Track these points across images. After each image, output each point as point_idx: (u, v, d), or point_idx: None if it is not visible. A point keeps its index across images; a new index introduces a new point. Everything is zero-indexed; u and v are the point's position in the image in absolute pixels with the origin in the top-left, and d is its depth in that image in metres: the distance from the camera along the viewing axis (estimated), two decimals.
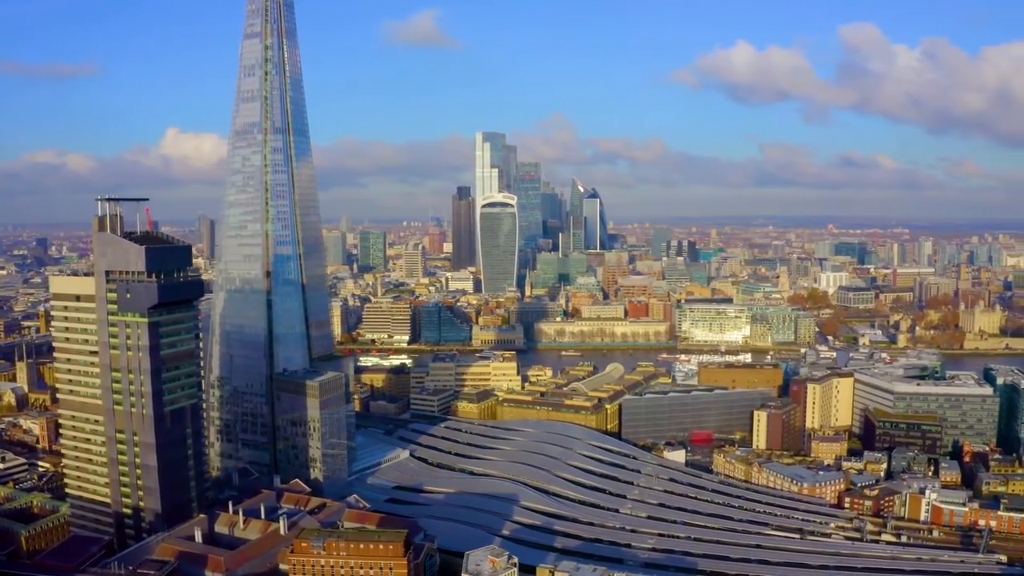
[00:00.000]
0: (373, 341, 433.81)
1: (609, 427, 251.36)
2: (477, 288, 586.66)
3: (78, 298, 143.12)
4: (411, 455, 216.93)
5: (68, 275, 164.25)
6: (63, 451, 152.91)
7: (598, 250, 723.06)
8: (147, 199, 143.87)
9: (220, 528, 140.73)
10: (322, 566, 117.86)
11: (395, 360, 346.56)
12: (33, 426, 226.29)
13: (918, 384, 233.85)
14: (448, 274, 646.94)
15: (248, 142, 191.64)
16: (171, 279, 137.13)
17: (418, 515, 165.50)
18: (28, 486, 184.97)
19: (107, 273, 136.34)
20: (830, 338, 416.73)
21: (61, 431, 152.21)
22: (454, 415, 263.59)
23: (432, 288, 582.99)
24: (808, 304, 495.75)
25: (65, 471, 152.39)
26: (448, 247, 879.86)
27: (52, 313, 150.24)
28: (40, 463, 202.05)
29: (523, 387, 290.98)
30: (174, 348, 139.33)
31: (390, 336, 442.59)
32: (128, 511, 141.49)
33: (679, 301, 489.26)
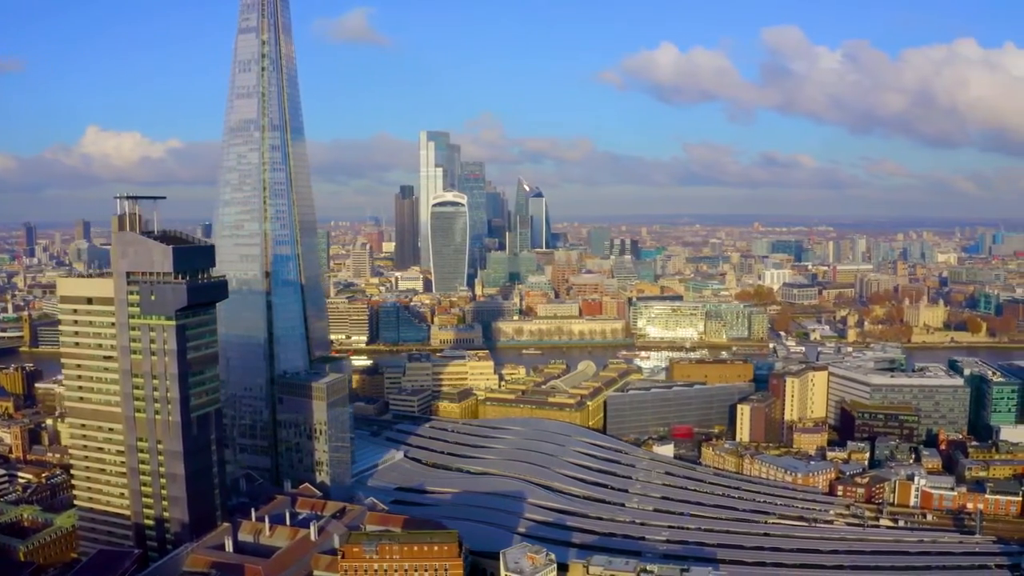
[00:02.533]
0: (331, 342, 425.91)
1: (591, 423, 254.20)
2: (427, 288, 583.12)
3: (90, 301, 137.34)
4: (405, 456, 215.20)
5: (79, 276, 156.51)
6: (72, 461, 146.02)
7: (544, 249, 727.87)
8: (164, 197, 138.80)
9: (244, 536, 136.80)
10: (375, 570, 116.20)
11: (355, 361, 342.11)
12: (4, 435, 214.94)
13: (892, 376, 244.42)
14: (398, 274, 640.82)
15: (244, 139, 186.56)
16: (195, 280, 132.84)
17: (430, 516, 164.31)
18: (13, 498, 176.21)
19: (128, 274, 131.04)
20: (782, 334, 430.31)
21: (70, 440, 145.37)
22: (435, 415, 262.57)
23: (383, 288, 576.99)
24: (755, 301, 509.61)
25: (74, 482, 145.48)
26: (388, 247, 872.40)
27: (60, 317, 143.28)
28: (20, 474, 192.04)
29: (500, 386, 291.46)
30: (199, 351, 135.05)
31: (348, 337, 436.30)
32: (150, 522, 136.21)
33: (631, 299, 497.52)
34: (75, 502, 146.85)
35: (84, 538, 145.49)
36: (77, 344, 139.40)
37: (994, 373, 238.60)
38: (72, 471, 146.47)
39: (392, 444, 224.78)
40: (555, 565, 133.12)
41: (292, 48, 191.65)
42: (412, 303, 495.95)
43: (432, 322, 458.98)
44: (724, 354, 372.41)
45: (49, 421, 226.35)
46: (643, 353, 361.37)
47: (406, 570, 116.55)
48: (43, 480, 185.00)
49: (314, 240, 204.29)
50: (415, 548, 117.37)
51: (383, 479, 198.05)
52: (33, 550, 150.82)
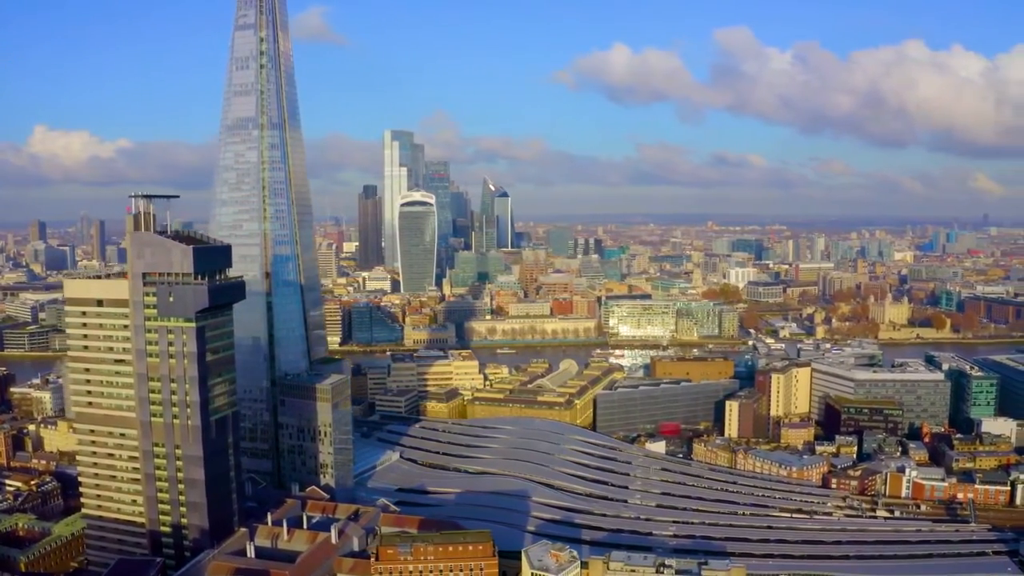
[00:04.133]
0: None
1: (579, 421, 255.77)
2: (394, 288, 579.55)
3: (100, 303, 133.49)
4: (401, 457, 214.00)
5: (89, 278, 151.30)
6: (80, 468, 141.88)
7: (510, 248, 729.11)
8: (178, 195, 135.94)
9: (261, 541, 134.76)
10: (410, 571, 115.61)
11: None
12: None
13: (875, 371, 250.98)
14: (365, 274, 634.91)
15: (242, 138, 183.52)
16: (214, 280, 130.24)
17: (437, 516, 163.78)
18: (5, 507, 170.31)
19: (144, 275, 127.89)
20: (752, 331, 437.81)
21: (78, 446, 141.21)
22: (423, 415, 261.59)
23: (350, 288, 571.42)
24: (722, 299, 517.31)
25: (82, 489, 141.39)
26: (349, 247, 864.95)
27: (67, 320, 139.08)
28: (7, 482, 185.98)
29: (484, 385, 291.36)
30: (217, 354, 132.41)
31: None
32: (167, 529, 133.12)
33: (600, 298, 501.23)
34: (83, 510, 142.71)
35: (92, 547, 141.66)
36: (86, 347, 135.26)
37: (972, 368, 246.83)
38: (80, 478, 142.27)
39: (386, 445, 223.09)
40: (579, 562, 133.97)
41: (290, 45, 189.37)
42: (382, 303, 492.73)
43: (404, 322, 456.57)
44: (695, 351, 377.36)
45: (32, 427, 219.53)
46: (618, 352, 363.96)
47: (441, 571, 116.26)
48: (34, 488, 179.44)
49: (312, 240, 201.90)
50: (450, 548, 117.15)
51: (382, 480, 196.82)
52: (34, 560, 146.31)
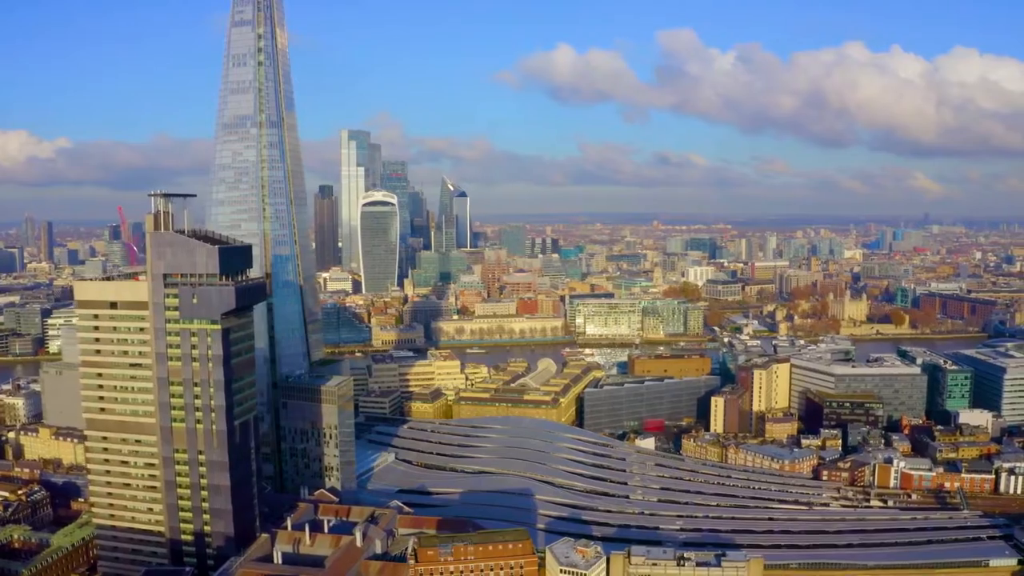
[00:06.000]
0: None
1: (565, 419, 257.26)
2: (355, 288, 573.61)
3: (114, 305, 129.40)
4: (396, 458, 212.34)
5: (100, 279, 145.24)
6: (90, 476, 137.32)
7: (469, 248, 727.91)
8: (195, 195, 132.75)
9: (283, 546, 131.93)
10: (451, 572, 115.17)
11: None
12: None
13: (853, 366, 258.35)
14: (324, 275, 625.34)
15: (240, 136, 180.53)
16: (237, 281, 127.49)
17: (447, 516, 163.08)
18: None
19: (164, 276, 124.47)
20: (716, 329, 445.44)
21: (88, 454, 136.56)
22: (408, 415, 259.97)
23: None
24: (682, 297, 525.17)
25: (93, 499, 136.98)
26: None
27: (78, 323, 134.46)
28: None
29: (466, 385, 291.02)
30: (240, 356, 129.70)
31: None
32: (188, 537, 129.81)
33: (563, 297, 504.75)
34: (93, 519, 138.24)
35: (105, 557, 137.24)
36: (98, 352, 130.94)
37: (946, 362, 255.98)
38: (90, 487, 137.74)
39: (378, 447, 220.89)
40: (604, 558, 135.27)
41: (287, 41, 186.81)
42: (346, 304, 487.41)
43: (370, 323, 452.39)
44: (661, 349, 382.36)
45: (11, 434, 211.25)
46: (587, 350, 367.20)
47: (481, 570, 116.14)
48: (23, 498, 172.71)
49: (310, 240, 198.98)
50: (490, 547, 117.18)
51: (381, 481, 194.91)
52: (36, 573, 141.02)
